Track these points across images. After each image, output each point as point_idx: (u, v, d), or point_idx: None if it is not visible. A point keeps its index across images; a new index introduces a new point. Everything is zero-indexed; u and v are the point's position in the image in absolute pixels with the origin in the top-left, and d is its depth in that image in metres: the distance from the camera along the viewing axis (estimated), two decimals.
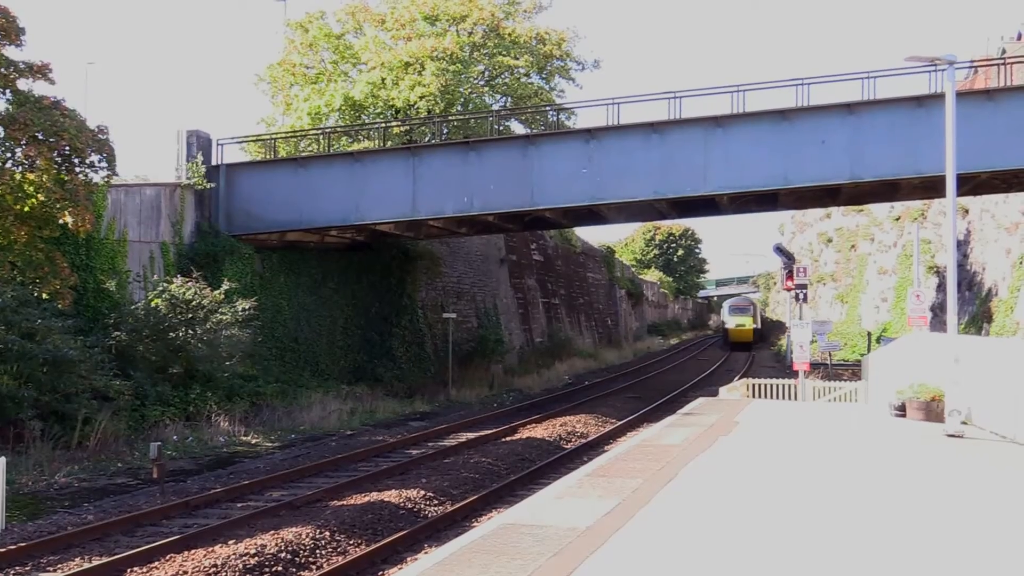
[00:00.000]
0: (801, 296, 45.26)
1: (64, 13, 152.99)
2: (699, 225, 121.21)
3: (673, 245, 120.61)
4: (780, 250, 56.39)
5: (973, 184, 31.35)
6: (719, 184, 30.53)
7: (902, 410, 20.90)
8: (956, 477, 13.36)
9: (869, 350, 44.36)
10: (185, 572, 12.25)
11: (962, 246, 49.52)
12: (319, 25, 45.35)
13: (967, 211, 50.27)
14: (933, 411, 19.91)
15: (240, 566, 12.48)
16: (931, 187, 31.24)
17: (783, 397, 29.78)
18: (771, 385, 30.62)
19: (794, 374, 29.96)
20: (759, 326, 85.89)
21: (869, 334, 55.34)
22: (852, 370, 42.88)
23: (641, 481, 12.31)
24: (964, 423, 18.03)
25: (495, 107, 45.43)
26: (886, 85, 60.43)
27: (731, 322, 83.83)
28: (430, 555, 8.64)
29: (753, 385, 30.95)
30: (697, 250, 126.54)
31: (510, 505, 11.11)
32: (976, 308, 46.68)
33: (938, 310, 47.18)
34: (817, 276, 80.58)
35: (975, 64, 35.39)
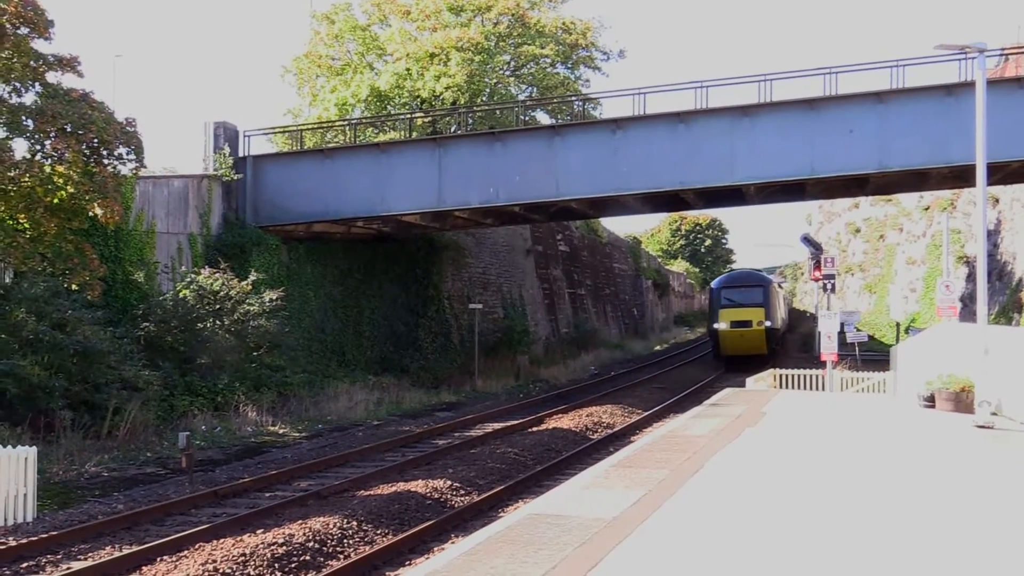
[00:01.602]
0: (829, 286, 45.03)
1: (92, 6, 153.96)
2: (726, 215, 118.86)
3: (700, 235, 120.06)
4: (807, 240, 56.00)
5: (1004, 173, 31.01)
6: (746, 174, 30.41)
7: (931, 401, 20.75)
8: (987, 468, 13.26)
9: (898, 340, 44.07)
10: (214, 561, 12.32)
11: (992, 236, 49.05)
12: (345, 16, 45.47)
13: (997, 200, 49.78)
14: (963, 402, 19.76)
15: (268, 555, 12.55)
16: (960, 176, 30.98)
17: (810, 388, 29.62)
18: (798, 376, 30.45)
19: (822, 364, 29.80)
20: (776, 323, 48.17)
21: (898, 324, 54.97)
22: (880, 361, 42.63)
23: (667, 472, 12.28)
24: (994, 414, 17.89)
25: (520, 97, 45.36)
26: (915, 74, 59.91)
27: (725, 318, 46.49)
28: (457, 545, 8.65)
29: (780, 376, 30.79)
30: (724, 240, 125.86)
31: (536, 495, 11.13)
32: (1006, 298, 46.25)
33: (968, 300, 46.74)
34: (845, 266, 79.99)
35: (1006, 52, 34.98)
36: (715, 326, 46.16)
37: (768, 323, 45.21)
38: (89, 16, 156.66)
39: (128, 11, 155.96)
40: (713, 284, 51.23)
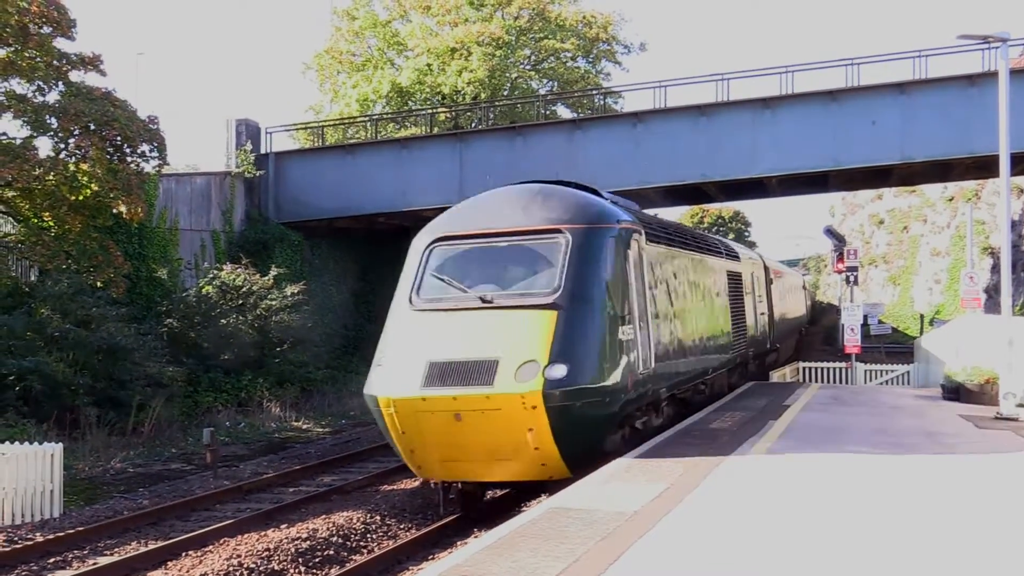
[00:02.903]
0: (852, 278, 44.75)
1: (114, 4, 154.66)
2: (748, 208, 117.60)
3: (722, 228, 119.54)
4: (830, 232, 55.74)
5: None
6: (768, 166, 30.32)
7: (955, 393, 20.64)
8: (1012, 460, 13.16)
9: (922, 332, 43.79)
10: (238, 555, 12.40)
11: (1016, 227, 48.65)
12: (366, 12, 45.53)
13: (1022, 191, 49.36)
14: (987, 394, 19.66)
15: (292, 550, 12.62)
16: (984, 167, 30.73)
17: (834, 380, 29.50)
18: (822, 368, 30.33)
19: (846, 357, 29.67)
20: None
21: (922, 316, 54.62)
22: (904, 353, 42.36)
23: (690, 465, 12.26)
24: (1019, 406, 17.78)
25: (541, 92, 45.32)
26: (938, 64, 59.63)
27: (411, 366, 13.57)
28: (479, 539, 8.67)
29: (803, 368, 30.67)
30: (747, 233, 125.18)
31: (558, 489, 11.12)
32: None
33: (992, 292, 46.35)
34: (868, 258, 79.35)
35: None
36: (374, 391, 13.68)
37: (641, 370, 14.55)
38: (111, 15, 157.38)
39: (150, 9, 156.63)
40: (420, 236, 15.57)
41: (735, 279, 23.45)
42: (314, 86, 47.27)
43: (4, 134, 20.94)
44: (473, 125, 40.97)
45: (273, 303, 28.09)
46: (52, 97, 21.20)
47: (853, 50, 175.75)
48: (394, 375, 13.33)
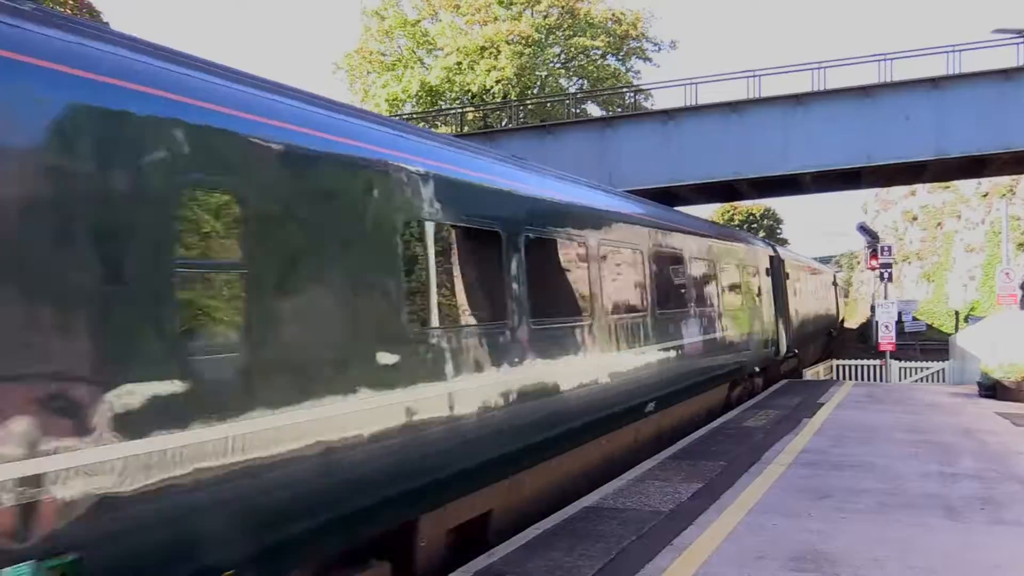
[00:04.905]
0: (886, 275, 44.46)
1: (144, 4, 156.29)
2: (779, 204, 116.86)
3: (753, 225, 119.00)
4: (863, 229, 55.22)
5: None
6: (800, 163, 30.23)
7: (991, 390, 20.44)
8: None
9: (957, 329, 43.42)
10: None
11: None
12: (395, 12, 45.70)
13: None
14: None
15: None
16: (1020, 162, 30.49)
17: (868, 378, 29.31)
18: (855, 366, 30.14)
19: (880, 355, 29.46)
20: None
21: (956, 313, 54.17)
22: (939, 350, 42.03)
23: (725, 463, 12.22)
24: None
25: (571, 90, 45.30)
26: (972, 59, 59.19)
27: None
28: (515, 537, 8.67)
29: (837, 366, 30.50)
30: (779, 230, 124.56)
31: (592, 487, 11.11)
32: None
33: None
34: (902, 255, 78.82)
35: None
36: None
37: None
38: (141, 14, 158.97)
39: (181, 10, 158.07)
40: None
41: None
42: (344, 86, 47.43)
43: None
44: (503, 124, 41.00)
45: None
46: None
47: (886, 46, 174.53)
48: None
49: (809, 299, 33.83)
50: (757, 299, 21.67)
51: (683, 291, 15.66)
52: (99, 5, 21.31)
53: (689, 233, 16.76)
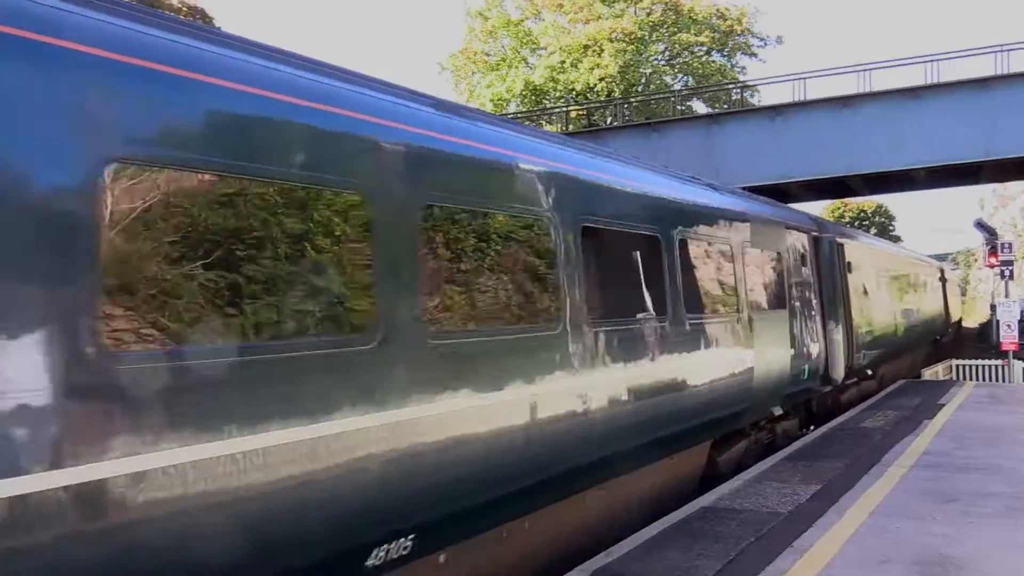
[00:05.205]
0: (1007, 273, 43.03)
1: (253, 3, 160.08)
2: (891, 201, 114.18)
3: (865, 222, 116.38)
4: (981, 225, 53.57)
5: None
6: (914, 158, 29.53)
7: None
8: None
9: None
10: None
11: None
12: (498, 12, 45.92)
13: None
14: None
15: None
16: None
17: (989, 379, 28.37)
18: (976, 366, 29.21)
19: (1001, 355, 28.48)
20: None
21: None
22: None
23: (843, 465, 11.91)
24: None
25: (676, 87, 44.93)
26: None
27: None
28: (632, 537, 8.59)
29: (956, 366, 29.61)
30: (891, 228, 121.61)
31: (709, 488, 10.95)
32: None
33: None
34: (1022, 252, 76.30)
35: None
36: None
37: None
38: (249, 17, 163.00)
39: (288, 10, 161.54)
40: None
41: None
42: (449, 86, 47.83)
43: None
44: (608, 122, 40.82)
45: None
46: None
47: (1000, 37, 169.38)
48: None
49: (895, 300, 25.42)
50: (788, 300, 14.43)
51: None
52: (210, 11, 21.75)
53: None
